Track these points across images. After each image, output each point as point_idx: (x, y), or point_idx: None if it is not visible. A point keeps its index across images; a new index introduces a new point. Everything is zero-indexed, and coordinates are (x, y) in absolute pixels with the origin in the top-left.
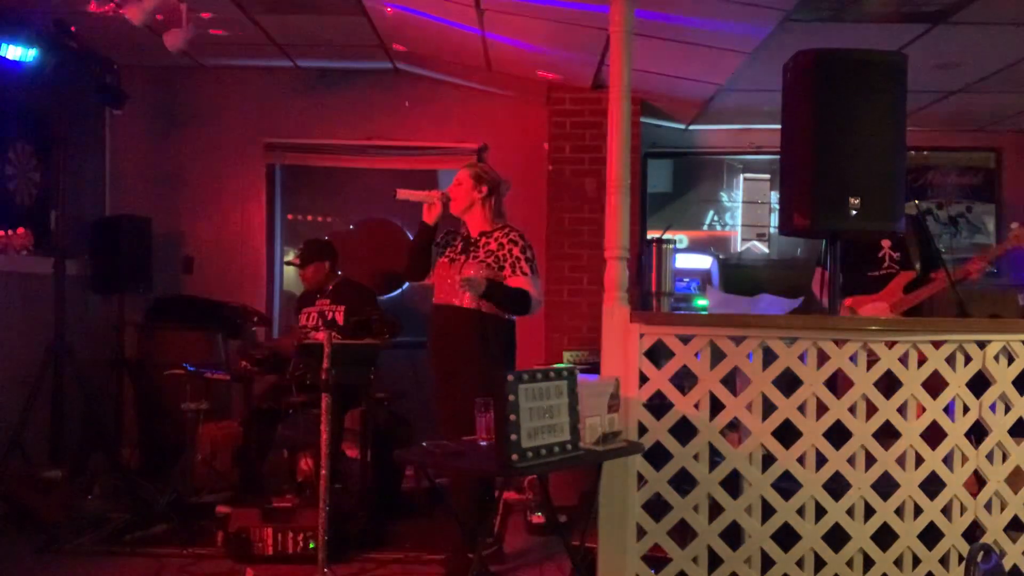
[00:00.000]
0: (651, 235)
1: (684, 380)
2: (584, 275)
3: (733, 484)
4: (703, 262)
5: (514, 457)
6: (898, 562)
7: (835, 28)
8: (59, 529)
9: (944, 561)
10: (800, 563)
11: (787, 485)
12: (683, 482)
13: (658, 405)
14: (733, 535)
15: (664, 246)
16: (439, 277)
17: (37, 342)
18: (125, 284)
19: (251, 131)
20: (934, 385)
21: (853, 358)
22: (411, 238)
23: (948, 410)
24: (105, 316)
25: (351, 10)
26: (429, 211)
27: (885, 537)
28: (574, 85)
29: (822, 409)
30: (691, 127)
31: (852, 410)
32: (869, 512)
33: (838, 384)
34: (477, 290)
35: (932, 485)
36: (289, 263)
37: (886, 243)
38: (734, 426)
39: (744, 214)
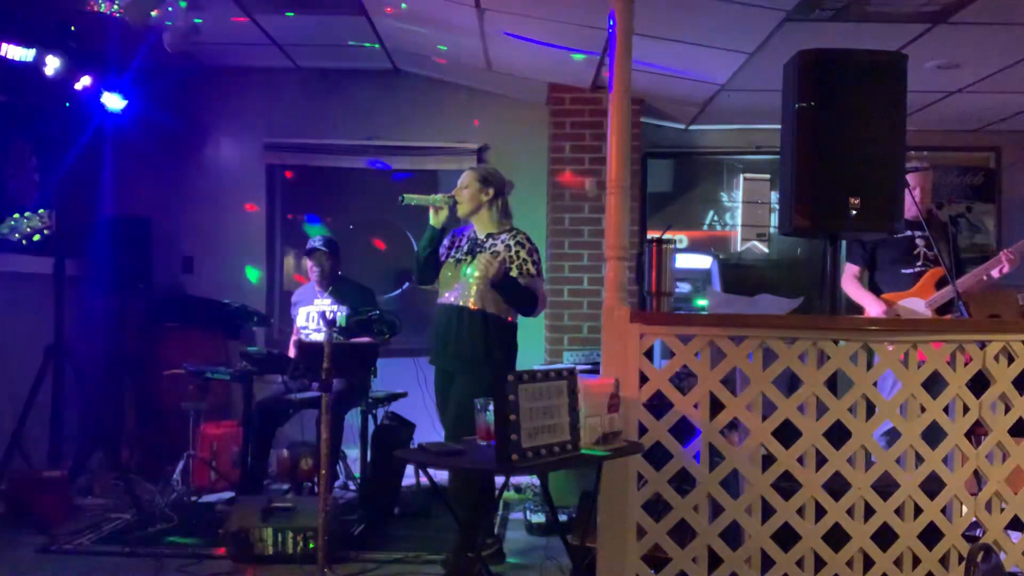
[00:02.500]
0: (651, 235)
1: (684, 380)
2: (584, 275)
3: (733, 484)
4: (703, 262)
5: (514, 457)
6: (898, 562)
7: (835, 28)
8: (59, 529)
9: (944, 561)
10: (800, 563)
11: (787, 485)
12: (683, 482)
13: (658, 405)
14: (733, 535)
15: (664, 246)
16: (444, 278)
17: (37, 342)
18: (125, 284)
19: (251, 131)
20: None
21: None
22: (412, 240)
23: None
24: (105, 316)
25: (351, 10)
26: (436, 214)
27: (885, 537)
28: (574, 85)
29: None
30: (691, 127)
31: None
32: (869, 512)
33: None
34: (500, 270)
35: (932, 485)
36: (313, 249)
37: (920, 241)
38: (734, 426)
39: (744, 214)
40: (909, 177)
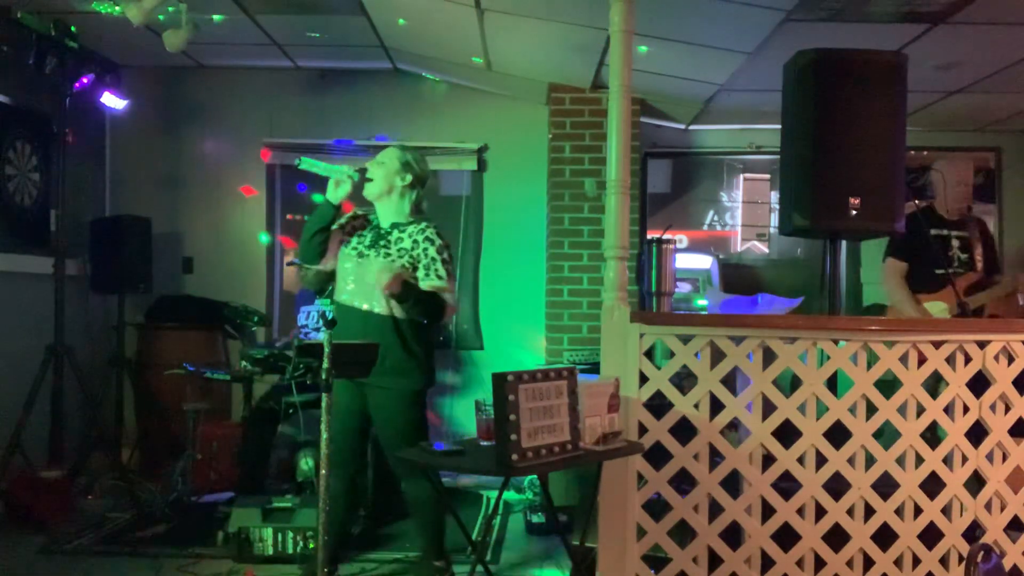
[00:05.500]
0: (651, 235)
1: (684, 380)
2: (584, 275)
3: (733, 484)
4: (703, 262)
5: (514, 457)
6: (898, 562)
7: (835, 28)
8: (59, 529)
9: (944, 561)
10: (800, 563)
11: (787, 485)
12: (683, 482)
13: (658, 405)
14: (733, 535)
15: (664, 246)
16: (345, 272)
17: (37, 342)
18: (125, 284)
19: (251, 131)
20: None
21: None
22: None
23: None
24: (105, 316)
25: (351, 10)
26: (336, 188)
27: (885, 537)
28: (574, 85)
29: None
30: (691, 127)
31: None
32: (869, 512)
33: None
34: (394, 284)
35: (932, 485)
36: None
37: (955, 242)
38: (734, 426)
39: (744, 214)
40: (941, 168)
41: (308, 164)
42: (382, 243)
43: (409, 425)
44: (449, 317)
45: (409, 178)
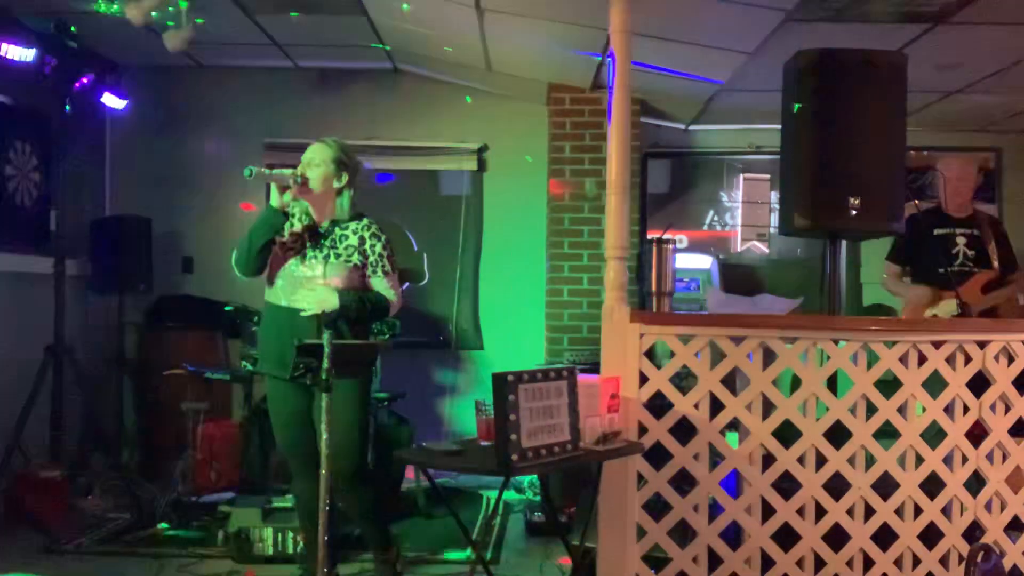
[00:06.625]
0: (651, 235)
1: (684, 380)
2: (584, 275)
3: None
4: (703, 262)
5: (514, 457)
6: (898, 562)
7: (835, 28)
8: (59, 529)
9: (944, 561)
10: (800, 563)
11: (787, 485)
12: (683, 482)
13: (658, 405)
14: (733, 535)
15: (664, 246)
16: (289, 276)
17: (37, 342)
18: (125, 284)
19: (251, 131)
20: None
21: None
22: (412, 239)
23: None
24: (105, 316)
25: (351, 10)
26: (280, 194)
27: (885, 537)
28: (574, 85)
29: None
30: (691, 127)
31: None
32: (869, 512)
33: None
34: (331, 310)
35: (932, 485)
36: None
37: (961, 239)
38: (734, 426)
39: (744, 214)
40: (942, 167)
41: (258, 172)
42: (326, 242)
43: (353, 424)
44: (396, 309)
45: (346, 177)
